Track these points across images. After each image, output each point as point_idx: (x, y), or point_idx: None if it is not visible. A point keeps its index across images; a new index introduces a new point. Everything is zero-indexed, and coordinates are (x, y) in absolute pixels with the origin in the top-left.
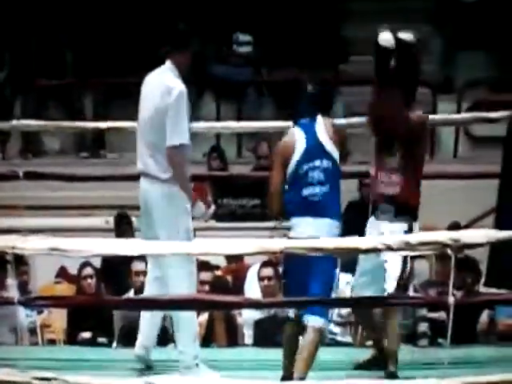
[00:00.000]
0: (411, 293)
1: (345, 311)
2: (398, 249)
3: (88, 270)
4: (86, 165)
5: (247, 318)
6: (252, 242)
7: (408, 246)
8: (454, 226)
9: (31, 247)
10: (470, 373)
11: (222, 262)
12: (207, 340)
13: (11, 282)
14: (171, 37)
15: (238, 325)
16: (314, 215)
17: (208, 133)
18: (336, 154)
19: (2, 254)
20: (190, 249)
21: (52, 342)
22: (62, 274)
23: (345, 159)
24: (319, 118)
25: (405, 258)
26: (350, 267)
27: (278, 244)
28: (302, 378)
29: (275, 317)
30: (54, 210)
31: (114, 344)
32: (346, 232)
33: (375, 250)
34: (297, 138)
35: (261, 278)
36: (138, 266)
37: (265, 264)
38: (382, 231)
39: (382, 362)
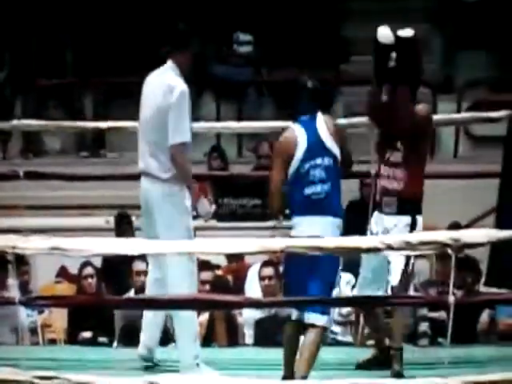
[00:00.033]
0: (411, 292)
1: (345, 310)
2: (399, 248)
3: (88, 270)
4: (86, 164)
5: (248, 317)
6: (253, 241)
7: (408, 245)
8: (455, 226)
9: (32, 247)
10: (470, 372)
11: (223, 262)
12: (208, 340)
13: (12, 281)
14: (171, 37)
15: (238, 324)
16: (316, 214)
17: (208, 133)
18: (337, 151)
19: (2, 254)
20: (190, 248)
21: (53, 341)
22: (63, 273)
23: (350, 165)
24: (319, 115)
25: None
26: (350, 267)
27: (278, 243)
28: (304, 378)
29: (276, 316)
30: (55, 209)
31: (115, 344)
32: (346, 231)
33: (376, 250)
34: (298, 135)
35: (261, 278)
36: (138, 265)
37: (265, 263)
38: (386, 225)
39: (382, 361)
